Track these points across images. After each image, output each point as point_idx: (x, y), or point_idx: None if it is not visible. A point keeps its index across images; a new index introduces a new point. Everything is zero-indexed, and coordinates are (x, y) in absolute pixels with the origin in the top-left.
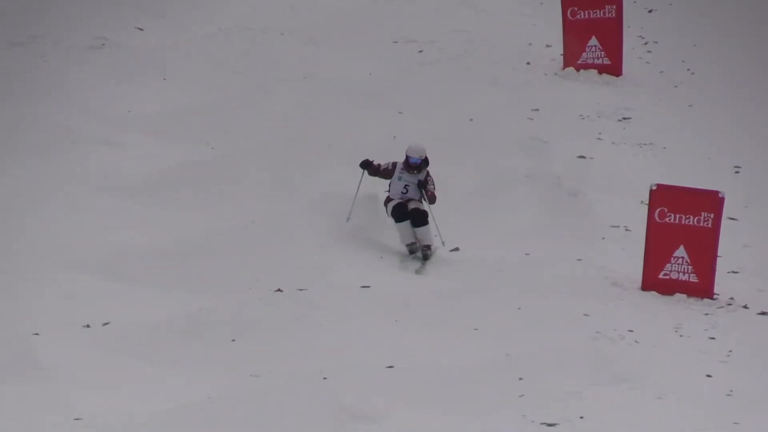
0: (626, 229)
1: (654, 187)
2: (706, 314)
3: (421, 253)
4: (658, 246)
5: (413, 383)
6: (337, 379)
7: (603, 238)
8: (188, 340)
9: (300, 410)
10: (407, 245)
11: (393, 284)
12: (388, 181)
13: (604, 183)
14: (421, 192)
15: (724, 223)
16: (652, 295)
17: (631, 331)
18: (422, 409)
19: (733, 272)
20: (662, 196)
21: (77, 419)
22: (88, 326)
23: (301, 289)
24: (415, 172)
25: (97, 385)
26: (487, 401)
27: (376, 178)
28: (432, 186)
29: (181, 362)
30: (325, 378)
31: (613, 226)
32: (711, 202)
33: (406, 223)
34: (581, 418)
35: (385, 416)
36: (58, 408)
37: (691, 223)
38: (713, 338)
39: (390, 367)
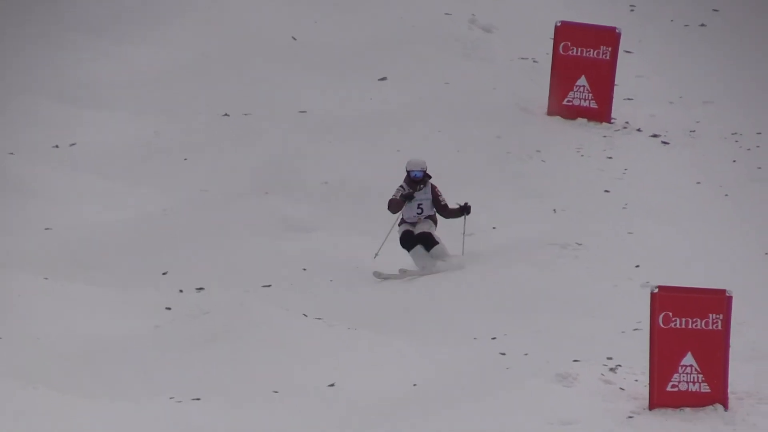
0: (534, 61)
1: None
2: (605, 136)
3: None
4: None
5: (347, 197)
6: (279, 194)
7: (511, 67)
8: (145, 160)
9: (246, 221)
10: (422, 268)
11: None
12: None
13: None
14: (434, 208)
15: (621, 56)
16: (557, 120)
17: (539, 151)
18: (355, 218)
19: (628, 99)
20: None
21: (47, 229)
22: (56, 146)
23: (246, 114)
24: (421, 186)
25: (65, 199)
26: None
27: None
28: (443, 198)
29: (139, 179)
30: (266, 192)
31: (521, 58)
32: None
33: (418, 248)
34: (493, 228)
35: (316, 228)
36: (32, 220)
37: None
38: (610, 158)
39: (325, 183)
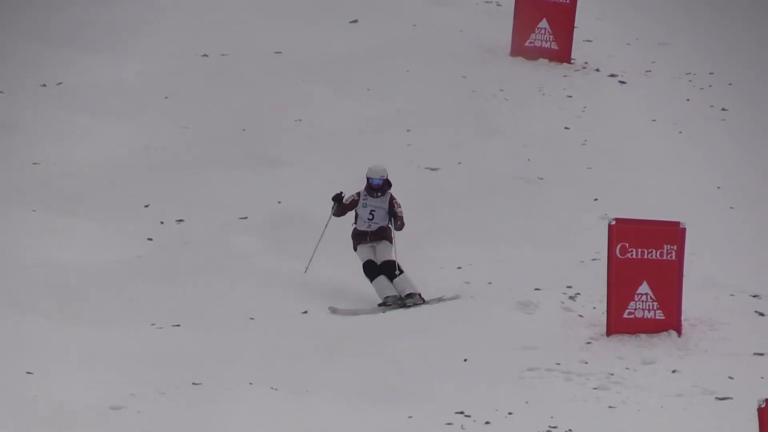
0: (497, 5)
1: None
2: (565, 76)
3: (403, 302)
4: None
5: (320, 134)
6: (255, 131)
7: (476, 11)
8: (128, 99)
9: (224, 156)
10: (384, 298)
11: None
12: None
13: None
14: (390, 218)
15: (580, 1)
16: (520, 60)
17: (502, 90)
18: (328, 153)
19: (587, 41)
20: None
21: (35, 163)
22: (44, 86)
23: (224, 55)
24: (379, 194)
25: (51, 136)
26: (379, 149)
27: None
28: (400, 210)
29: (122, 117)
30: (243, 129)
31: (486, 2)
32: None
33: (381, 278)
34: (459, 163)
35: (291, 164)
36: (20, 156)
37: None
38: (570, 96)
39: (298, 120)
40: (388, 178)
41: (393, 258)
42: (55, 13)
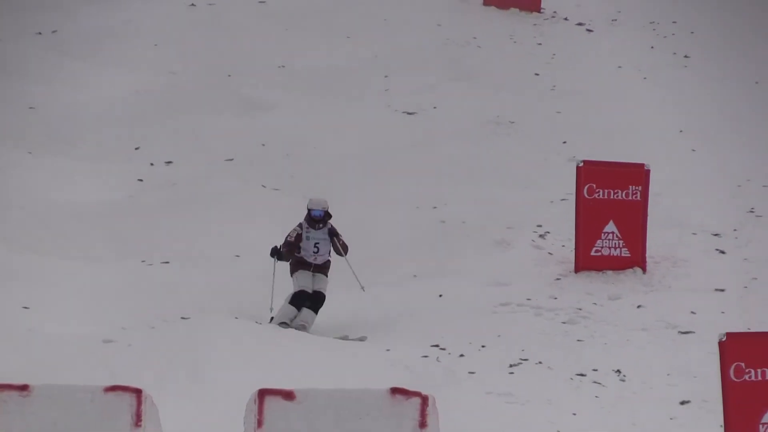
0: None
1: None
2: (535, 24)
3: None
4: None
5: (302, 79)
6: (240, 76)
7: None
8: (119, 45)
9: (210, 100)
10: (279, 323)
11: None
12: None
13: None
14: (333, 244)
15: None
16: (492, 10)
17: (475, 38)
18: (309, 97)
19: None
20: None
21: (31, 108)
22: (39, 33)
23: (211, 4)
24: (320, 225)
25: (46, 81)
26: (358, 94)
27: None
28: (341, 238)
29: (113, 62)
30: (229, 75)
31: None
32: None
33: (294, 308)
34: (434, 108)
35: (277, 106)
36: (16, 100)
37: None
38: (540, 44)
39: (282, 66)
40: (328, 210)
41: (324, 292)
42: None
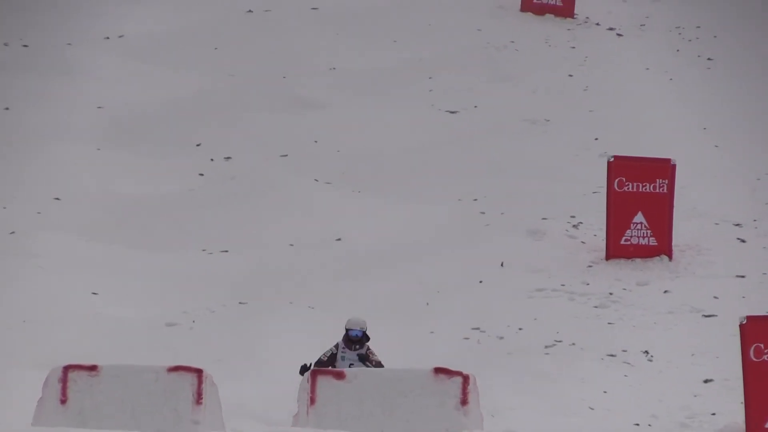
0: None
1: None
2: (569, 29)
3: None
4: None
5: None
6: (294, 77)
7: None
8: (181, 49)
9: (266, 100)
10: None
11: None
12: None
13: None
14: (365, 365)
15: None
16: (529, 16)
17: (512, 42)
18: (358, 97)
19: None
20: None
21: (100, 107)
22: (107, 38)
23: (267, 11)
24: (357, 347)
25: (114, 82)
26: (403, 94)
27: None
28: (376, 357)
29: (177, 65)
30: (284, 77)
31: None
32: None
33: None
34: (475, 107)
35: (328, 105)
36: (86, 100)
37: None
38: (574, 47)
39: (333, 68)
40: (367, 332)
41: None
42: None
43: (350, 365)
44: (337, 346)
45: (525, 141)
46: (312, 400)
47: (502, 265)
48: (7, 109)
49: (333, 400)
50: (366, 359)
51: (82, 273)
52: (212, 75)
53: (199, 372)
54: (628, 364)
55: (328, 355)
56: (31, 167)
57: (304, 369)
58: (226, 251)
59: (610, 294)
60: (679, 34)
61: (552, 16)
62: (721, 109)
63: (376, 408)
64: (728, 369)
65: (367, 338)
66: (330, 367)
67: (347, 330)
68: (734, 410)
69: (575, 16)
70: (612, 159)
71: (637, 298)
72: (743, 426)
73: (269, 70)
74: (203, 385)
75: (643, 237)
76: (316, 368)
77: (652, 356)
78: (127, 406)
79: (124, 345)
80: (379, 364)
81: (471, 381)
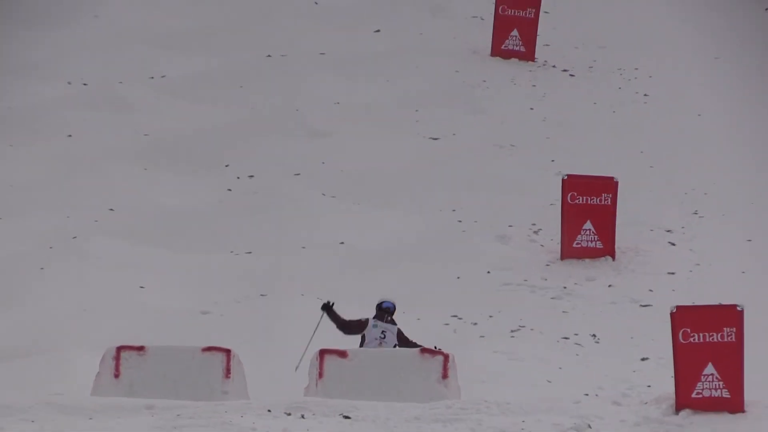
0: (481, 19)
1: None
2: (530, 71)
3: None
4: None
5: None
6: (304, 110)
7: (465, 23)
8: (210, 88)
9: (282, 129)
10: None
11: None
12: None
13: None
14: (405, 344)
15: (542, 15)
16: (498, 60)
17: (484, 81)
18: (358, 126)
19: (547, 45)
20: None
21: (146, 135)
22: (152, 78)
23: (283, 55)
24: (389, 318)
25: (158, 114)
26: (394, 124)
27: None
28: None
29: (211, 101)
30: (297, 109)
31: (473, 17)
32: None
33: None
34: (454, 134)
35: (334, 133)
36: (134, 128)
37: None
38: (534, 86)
39: (337, 103)
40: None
41: None
42: (159, 18)
43: (383, 331)
44: (368, 320)
45: (495, 162)
46: (320, 374)
47: (458, 278)
48: (70, 136)
49: (337, 374)
50: (403, 335)
51: (131, 271)
52: (238, 108)
53: (227, 351)
54: (579, 345)
55: (358, 318)
56: (89, 184)
57: (325, 307)
58: (250, 252)
59: (564, 288)
60: (621, 74)
61: (516, 60)
62: (655, 136)
63: (373, 381)
64: (661, 349)
65: (394, 323)
66: (357, 331)
67: (380, 303)
68: (666, 383)
69: (536, 60)
70: (566, 177)
71: (586, 291)
72: (673, 395)
73: (285, 104)
74: (231, 362)
75: (591, 241)
76: (324, 348)
77: (598, 339)
78: (168, 380)
79: (166, 330)
80: (415, 345)
81: (450, 359)
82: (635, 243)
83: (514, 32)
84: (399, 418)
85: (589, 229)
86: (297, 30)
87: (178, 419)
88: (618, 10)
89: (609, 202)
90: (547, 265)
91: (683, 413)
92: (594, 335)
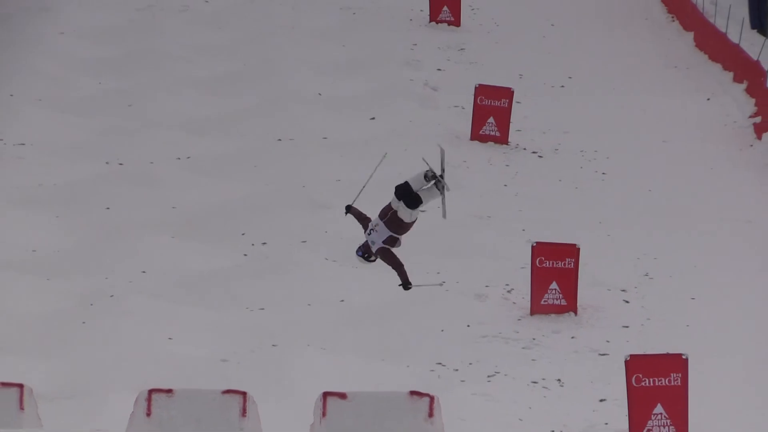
0: (462, 108)
1: None
2: (504, 153)
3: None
4: None
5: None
6: (311, 187)
7: (448, 112)
8: (226, 167)
9: (290, 203)
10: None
11: None
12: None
13: None
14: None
15: (515, 105)
16: (476, 143)
17: (465, 161)
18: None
19: (518, 130)
20: None
21: (174, 207)
22: (178, 159)
23: (291, 139)
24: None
25: (183, 188)
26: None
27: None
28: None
29: (227, 175)
30: (304, 186)
31: (455, 106)
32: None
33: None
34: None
35: (332, 206)
36: (162, 201)
37: None
38: (508, 165)
39: (338, 180)
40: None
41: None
42: (185, 107)
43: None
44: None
45: (473, 231)
46: (323, 413)
47: (442, 331)
48: (108, 208)
49: (338, 413)
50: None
51: (161, 324)
52: (253, 185)
53: (244, 394)
54: (546, 388)
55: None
56: (125, 250)
57: (348, 208)
58: (263, 309)
59: (534, 339)
60: (583, 155)
61: (492, 143)
62: (612, 209)
63: (368, 419)
64: (617, 392)
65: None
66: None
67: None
68: (621, 421)
69: (509, 143)
70: (535, 244)
71: (552, 342)
72: None
73: (293, 181)
74: (247, 403)
75: (557, 299)
76: (326, 391)
77: (563, 383)
78: (193, 418)
79: (190, 375)
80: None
81: (435, 400)
82: (595, 301)
83: (491, 119)
84: None
85: (555, 289)
86: (303, 117)
87: None
88: (579, 102)
89: (572, 266)
90: (519, 319)
91: None
92: (559, 380)
